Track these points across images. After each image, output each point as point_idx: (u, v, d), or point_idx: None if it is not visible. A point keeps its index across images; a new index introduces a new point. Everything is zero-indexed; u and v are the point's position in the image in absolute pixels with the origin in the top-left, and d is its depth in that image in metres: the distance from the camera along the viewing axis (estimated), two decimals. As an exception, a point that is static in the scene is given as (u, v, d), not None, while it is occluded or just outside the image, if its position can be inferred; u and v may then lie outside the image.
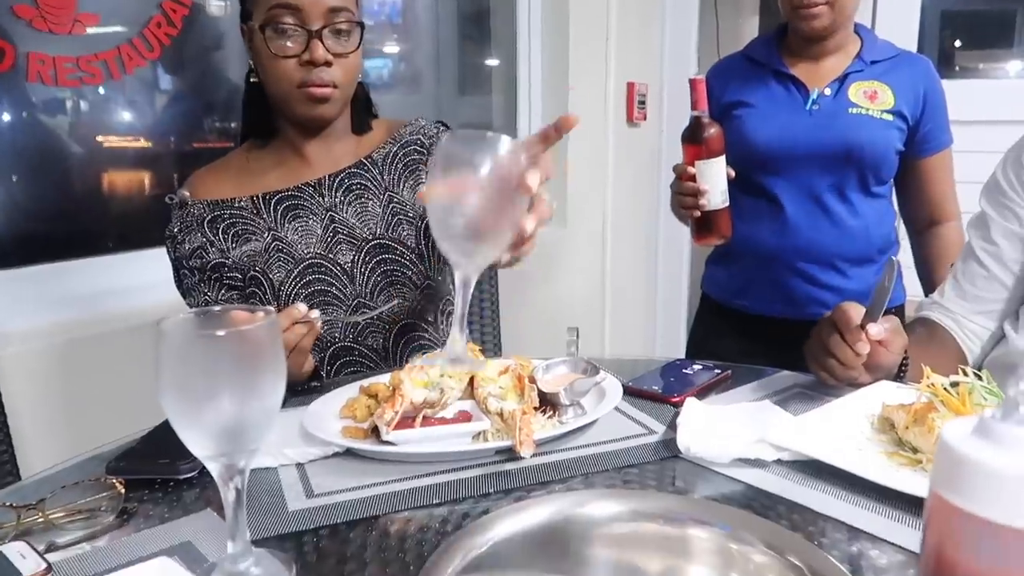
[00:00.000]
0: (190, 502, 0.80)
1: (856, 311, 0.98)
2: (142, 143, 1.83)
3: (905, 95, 1.53)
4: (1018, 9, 2.94)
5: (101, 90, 1.72)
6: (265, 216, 1.27)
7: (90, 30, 1.63)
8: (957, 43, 3.08)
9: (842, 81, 1.54)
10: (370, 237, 1.28)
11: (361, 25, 1.22)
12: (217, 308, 0.64)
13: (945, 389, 0.86)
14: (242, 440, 0.60)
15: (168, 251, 1.28)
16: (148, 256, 1.69)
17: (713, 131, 1.40)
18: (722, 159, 1.41)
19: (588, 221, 2.79)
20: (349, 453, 0.88)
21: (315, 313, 1.04)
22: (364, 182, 1.31)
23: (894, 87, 1.53)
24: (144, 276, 1.67)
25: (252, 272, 1.25)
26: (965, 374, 0.87)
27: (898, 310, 1.67)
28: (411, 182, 1.33)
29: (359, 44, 1.22)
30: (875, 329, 0.97)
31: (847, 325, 0.98)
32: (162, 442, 0.86)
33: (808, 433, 0.86)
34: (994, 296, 1.19)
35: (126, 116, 1.80)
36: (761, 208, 1.59)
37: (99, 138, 1.76)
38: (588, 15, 2.65)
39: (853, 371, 1.01)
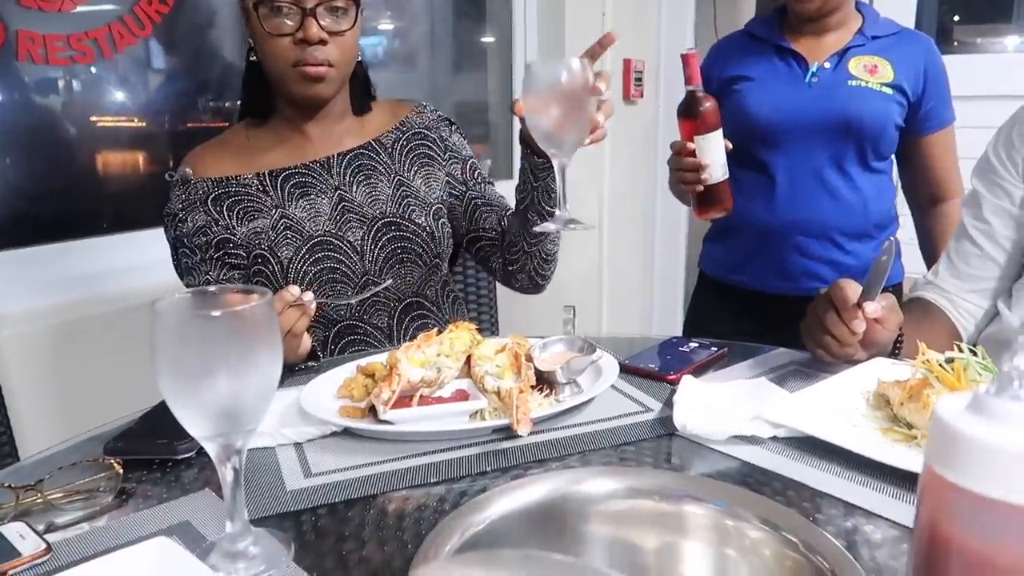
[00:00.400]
0: (188, 482, 0.80)
1: (853, 289, 0.98)
2: (136, 123, 1.82)
3: (906, 71, 1.52)
4: (1016, -16, 2.92)
5: (93, 69, 1.71)
6: (272, 193, 1.26)
7: (80, 8, 1.61)
8: (955, 18, 3.06)
9: (842, 55, 1.53)
10: (379, 215, 1.28)
11: (357, 3, 1.20)
12: (212, 288, 0.64)
13: (940, 365, 0.86)
14: (239, 420, 0.60)
15: (167, 230, 1.27)
16: (144, 236, 1.69)
17: (709, 105, 1.39)
18: (720, 132, 1.40)
19: (585, 198, 2.78)
20: (346, 432, 0.88)
21: (308, 296, 1.04)
22: (373, 164, 1.31)
23: (894, 62, 1.52)
24: (140, 256, 1.66)
25: (258, 250, 1.24)
26: (960, 350, 0.87)
27: (896, 288, 1.67)
28: (424, 173, 1.33)
29: (355, 22, 1.20)
30: (872, 307, 0.97)
31: (844, 303, 0.98)
32: (159, 422, 0.86)
33: (804, 410, 0.86)
34: (987, 274, 1.19)
35: (119, 95, 1.78)
36: (760, 182, 1.58)
37: (92, 118, 1.75)
38: (584, -9, 2.63)
39: (849, 348, 1.01)
